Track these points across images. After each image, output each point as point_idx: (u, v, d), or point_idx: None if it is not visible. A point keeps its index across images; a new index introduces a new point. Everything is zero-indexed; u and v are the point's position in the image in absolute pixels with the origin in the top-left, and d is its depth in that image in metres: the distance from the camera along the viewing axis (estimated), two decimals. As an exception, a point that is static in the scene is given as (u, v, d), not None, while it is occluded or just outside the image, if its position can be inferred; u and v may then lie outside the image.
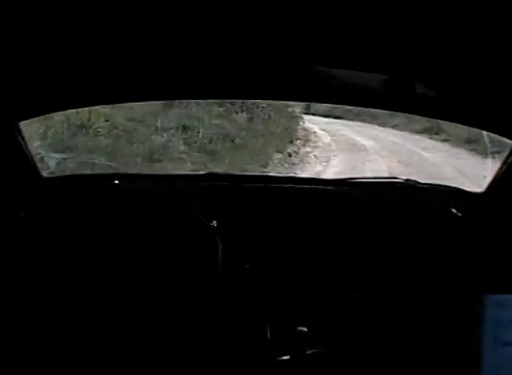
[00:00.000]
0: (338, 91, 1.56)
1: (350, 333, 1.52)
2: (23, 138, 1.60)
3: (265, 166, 7.15)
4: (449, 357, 1.40)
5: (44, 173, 1.80)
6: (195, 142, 7.62)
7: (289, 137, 9.50)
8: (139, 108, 6.77)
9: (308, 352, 1.46)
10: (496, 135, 1.69)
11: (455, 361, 1.35)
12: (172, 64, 1.39)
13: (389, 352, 1.48)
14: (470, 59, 1.17)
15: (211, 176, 1.85)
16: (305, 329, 1.47)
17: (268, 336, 1.50)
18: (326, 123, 11.46)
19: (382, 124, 11.17)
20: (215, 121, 8.15)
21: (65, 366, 1.21)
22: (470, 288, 1.44)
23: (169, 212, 1.34)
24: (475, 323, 1.15)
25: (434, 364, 1.43)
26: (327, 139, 10.46)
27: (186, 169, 6.34)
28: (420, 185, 1.86)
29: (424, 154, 8.91)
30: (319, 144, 9.97)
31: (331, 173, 7.38)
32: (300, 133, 10.17)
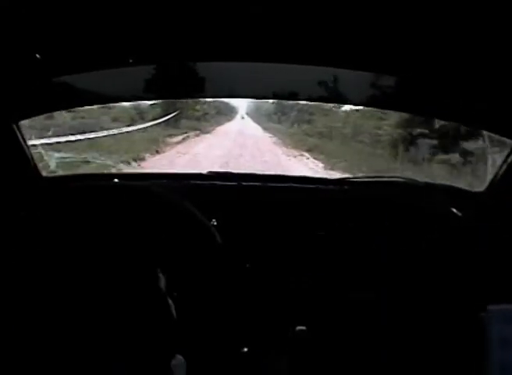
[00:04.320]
0: (338, 90, 1.56)
1: (348, 333, 1.52)
2: (23, 138, 1.60)
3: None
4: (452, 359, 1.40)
5: (44, 173, 1.80)
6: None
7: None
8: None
9: (306, 352, 1.46)
10: (496, 135, 1.69)
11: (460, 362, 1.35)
12: (170, 63, 1.40)
13: (389, 350, 1.48)
14: (470, 60, 1.17)
15: (211, 175, 1.85)
16: (304, 328, 1.47)
17: (268, 335, 1.50)
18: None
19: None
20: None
21: (66, 366, 1.22)
22: (471, 289, 1.44)
23: (169, 212, 1.34)
24: (479, 342, 1.10)
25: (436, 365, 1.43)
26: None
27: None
28: (420, 185, 1.86)
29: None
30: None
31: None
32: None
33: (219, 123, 13.30)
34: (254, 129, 13.54)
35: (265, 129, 13.11)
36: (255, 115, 14.72)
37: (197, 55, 1.32)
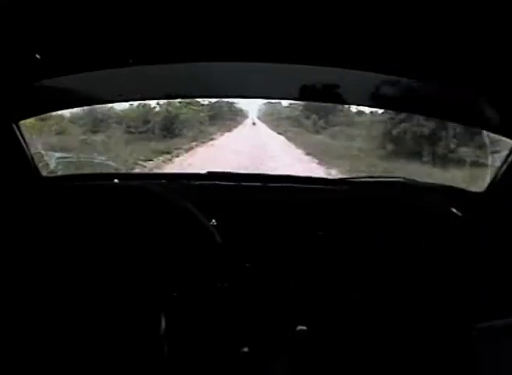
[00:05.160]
0: (338, 90, 1.56)
1: (348, 333, 1.52)
2: (23, 138, 1.60)
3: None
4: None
5: (44, 173, 1.80)
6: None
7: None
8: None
9: (307, 350, 1.46)
10: (496, 135, 1.69)
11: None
12: (169, 64, 1.40)
13: (386, 351, 1.48)
14: (470, 60, 1.17)
15: (211, 175, 1.85)
16: (305, 328, 1.48)
17: (269, 335, 1.50)
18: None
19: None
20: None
21: (65, 365, 1.22)
22: (471, 289, 1.44)
23: (169, 211, 1.34)
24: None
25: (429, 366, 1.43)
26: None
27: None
28: (420, 185, 1.86)
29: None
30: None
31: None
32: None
33: (211, 135, 7.80)
34: (291, 157, 6.20)
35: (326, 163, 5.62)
36: (270, 119, 9.43)
37: (206, 55, 1.32)
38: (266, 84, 1.55)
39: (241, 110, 9.44)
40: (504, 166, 1.62)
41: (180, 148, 7.43)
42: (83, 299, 1.24)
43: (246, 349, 1.46)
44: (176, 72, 1.47)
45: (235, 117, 9.58)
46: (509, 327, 1.09)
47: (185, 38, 1.20)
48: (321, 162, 6.13)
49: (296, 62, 1.33)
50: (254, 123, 10.49)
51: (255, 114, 10.20)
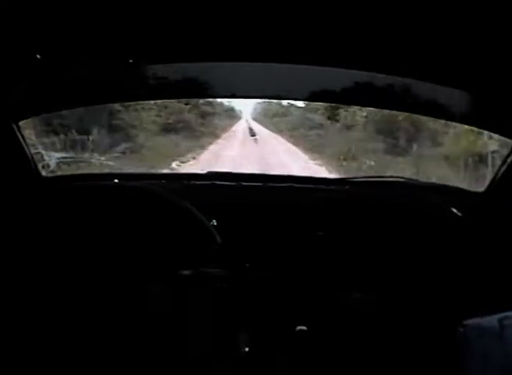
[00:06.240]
0: (337, 90, 1.57)
1: (348, 333, 1.52)
2: (23, 138, 1.60)
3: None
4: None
5: (44, 173, 1.80)
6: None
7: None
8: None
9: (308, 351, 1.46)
10: (495, 135, 1.69)
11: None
12: (168, 65, 1.40)
13: (386, 351, 1.48)
14: (469, 60, 1.17)
15: (211, 175, 1.85)
16: (304, 328, 1.48)
17: (268, 335, 1.50)
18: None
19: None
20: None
21: (66, 364, 1.22)
22: (471, 289, 1.44)
23: (170, 212, 1.34)
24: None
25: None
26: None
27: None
28: (420, 184, 1.86)
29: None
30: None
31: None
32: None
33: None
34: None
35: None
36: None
37: (199, 55, 1.32)
38: (265, 84, 1.55)
39: (226, 109, 5.64)
40: (504, 166, 1.62)
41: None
42: (83, 299, 1.24)
43: (246, 349, 1.46)
44: (176, 72, 1.47)
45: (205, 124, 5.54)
46: (495, 324, 1.09)
47: (185, 38, 1.20)
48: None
49: (295, 62, 1.34)
50: (253, 136, 6.26)
51: (250, 114, 6.35)
